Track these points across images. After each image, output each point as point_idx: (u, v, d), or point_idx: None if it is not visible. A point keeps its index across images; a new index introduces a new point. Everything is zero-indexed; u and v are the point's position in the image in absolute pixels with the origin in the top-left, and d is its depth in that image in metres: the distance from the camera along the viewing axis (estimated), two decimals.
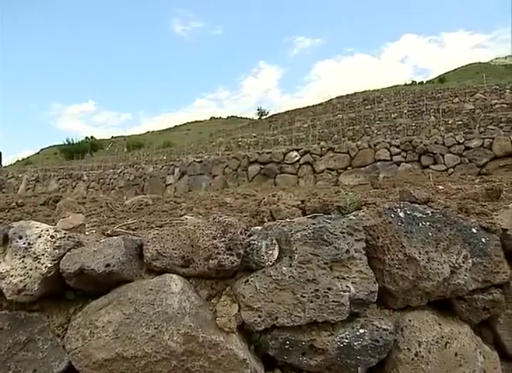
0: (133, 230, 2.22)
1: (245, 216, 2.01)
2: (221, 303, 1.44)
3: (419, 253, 1.56)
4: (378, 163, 10.57)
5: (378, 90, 36.56)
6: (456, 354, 1.59)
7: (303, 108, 32.78)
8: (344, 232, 1.49)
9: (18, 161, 48.87)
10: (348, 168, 10.74)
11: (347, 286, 1.44)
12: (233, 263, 1.40)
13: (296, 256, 1.43)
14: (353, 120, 23.31)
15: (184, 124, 64.17)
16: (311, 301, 1.41)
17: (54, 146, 49.36)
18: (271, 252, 1.44)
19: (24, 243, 1.47)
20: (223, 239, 1.41)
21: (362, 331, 1.45)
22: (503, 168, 9.76)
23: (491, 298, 1.69)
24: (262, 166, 11.59)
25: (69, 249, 1.51)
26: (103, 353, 1.37)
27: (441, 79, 47.14)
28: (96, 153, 42.28)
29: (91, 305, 1.48)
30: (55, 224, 1.94)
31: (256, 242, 1.45)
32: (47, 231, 1.52)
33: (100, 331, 1.41)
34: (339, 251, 1.45)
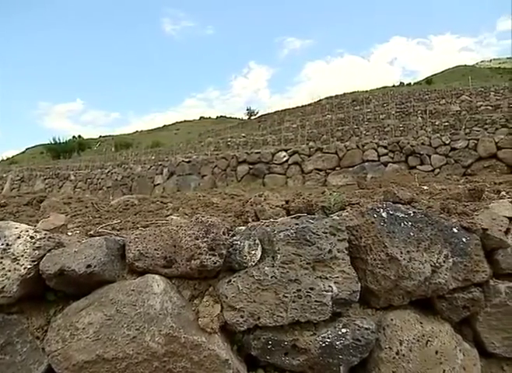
0: (118, 230, 2.19)
1: (229, 216, 2.01)
2: (203, 303, 1.44)
3: (401, 253, 1.58)
4: (366, 164, 10.67)
5: (367, 91, 36.89)
6: (436, 352, 1.62)
7: (293, 108, 32.87)
8: (327, 232, 1.50)
9: (2, 160, 47.99)
10: (337, 168, 10.82)
11: (329, 286, 1.45)
12: (215, 263, 1.39)
13: (279, 256, 1.44)
14: (342, 120, 23.47)
15: (173, 124, 63.81)
16: (293, 301, 1.42)
17: (41, 145, 48.59)
18: (253, 252, 1.44)
19: (2, 244, 1.44)
20: (206, 239, 1.41)
21: (344, 330, 1.46)
22: (487, 168, 9.93)
23: (471, 297, 1.72)
24: (251, 166, 11.59)
25: (49, 250, 1.48)
26: (84, 355, 1.36)
27: (428, 81, 47.82)
28: (83, 153, 41.76)
29: (72, 307, 1.46)
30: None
31: (239, 243, 1.45)
32: (27, 231, 1.50)
33: (81, 333, 1.39)
34: (322, 251, 1.46)
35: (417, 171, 10.11)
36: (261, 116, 37.61)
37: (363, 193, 2.92)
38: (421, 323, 1.64)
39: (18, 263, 1.42)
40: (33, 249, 1.46)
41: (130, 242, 1.54)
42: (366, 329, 1.48)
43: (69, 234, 1.99)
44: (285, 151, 11.45)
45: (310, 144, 13.62)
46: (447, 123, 19.50)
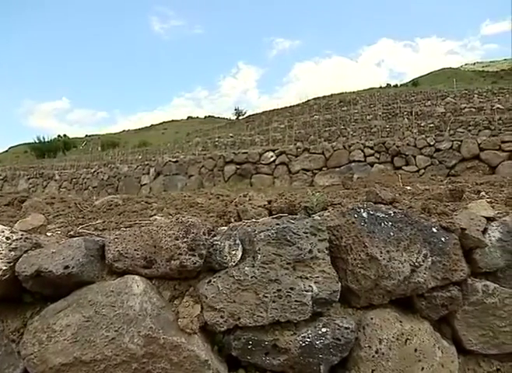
0: (101, 231, 2.17)
1: (211, 216, 2.00)
2: (183, 304, 1.43)
3: (381, 253, 1.60)
4: (352, 164, 10.76)
5: (354, 92, 37.21)
6: (415, 350, 1.64)
7: (281, 109, 32.98)
8: (307, 232, 1.50)
9: None
10: (324, 168, 10.89)
11: (310, 286, 1.46)
12: (195, 263, 1.39)
13: (259, 256, 1.44)
14: (329, 121, 23.63)
15: (161, 123, 63.37)
16: (274, 301, 1.42)
17: (25, 144, 47.67)
18: (234, 252, 1.44)
19: None
20: (185, 240, 1.40)
21: (324, 330, 1.46)
22: (470, 169, 10.13)
23: (449, 295, 1.74)
24: (238, 166, 11.59)
25: (26, 251, 1.46)
26: (61, 357, 1.34)
27: (414, 83, 48.48)
28: (69, 152, 41.14)
29: (49, 309, 1.43)
30: None
31: (219, 243, 1.45)
32: (3, 232, 1.47)
33: (58, 335, 1.37)
34: (302, 251, 1.47)
35: (402, 171, 10.25)
36: (249, 116, 37.62)
37: (347, 194, 2.95)
38: (400, 322, 1.66)
39: None
40: (9, 250, 1.43)
41: (110, 243, 1.53)
42: (346, 328, 1.49)
43: (49, 234, 1.96)
44: (273, 151, 11.47)
45: (298, 144, 13.68)
46: (432, 125, 19.81)
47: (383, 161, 10.71)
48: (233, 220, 1.92)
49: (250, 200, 2.64)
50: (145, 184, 14.74)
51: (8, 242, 1.45)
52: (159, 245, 1.46)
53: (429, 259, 1.70)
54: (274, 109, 33.46)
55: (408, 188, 3.69)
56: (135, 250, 1.50)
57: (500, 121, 17.72)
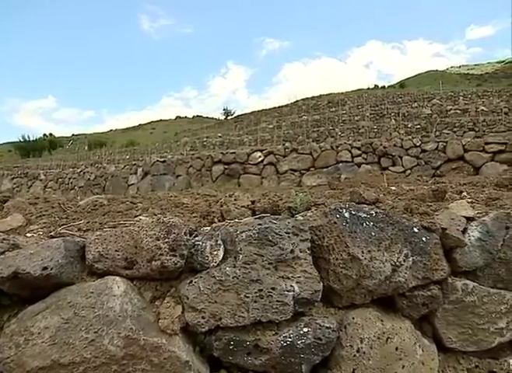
0: (84, 231, 2.14)
1: (195, 217, 1.99)
2: (164, 305, 1.42)
3: (362, 253, 1.61)
4: (340, 164, 10.84)
5: (343, 93, 37.49)
6: (396, 349, 1.66)
7: (269, 109, 33.04)
8: (289, 233, 1.51)
9: None
10: (311, 169, 10.95)
11: (291, 285, 1.46)
12: (176, 264, 1.38)
13: (241, 256, 1.44)
14: (318, 121, 23.76)
15: (149, 123, 62.87)
16: (255, 301, 1.42)
17: (9, 143, 46.78)
18: (215, 252, 1.44)
19: None
20: (167, 240, 1.39)
21: (305, 330, 1.47)
22: (455, 170, 10.30)
23: (430, 294, 1.77)
24: (226, 166, 11.57)
25: (3, 252, 1.43)
26: (38, 360, 1.31)
27: (402, 85, 49.12)
28: (54, 151, 40.53)
29: (27, 311, 1.40)
30: None
31: (200, 243, 1.44)
32: None
33: (36, 338, 1.34)
34: (284, 251, 1.47)
35: (389, 172, 10.38)
36: (238, 116, 37.60)
37: (332, 194, 2.97)
38: (382, 321, 1.67)
39: None
40: None
41: (90, 244, 1.51)
42: (328, 328, 1.50)
43: (29, 235, 1.93)
44: (261, 151, 11.49)
45: (286, 144, 13.72)
46: (419, 126, 20.08)
47: (370, 161, 10.82)
48: (216, 220, 1.91)
49: (235, 200, 2.64)
50: (132, 184, 14.60)
51: None
52: (140, 246, 1.45)
53: (410, 259, 1.73)
54: (262, 110, 33.50)
55: (393, 188, 3.73)
56: (116, 251, 1.48)
57: (484, 123, 18.06)
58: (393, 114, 23.17)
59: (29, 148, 38.04)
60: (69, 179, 18.18)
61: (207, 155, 12.20)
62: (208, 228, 1.71)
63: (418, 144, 10.74)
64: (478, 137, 11.09)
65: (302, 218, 1.64)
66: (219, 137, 23.48)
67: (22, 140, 40.28)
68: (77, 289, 1.43)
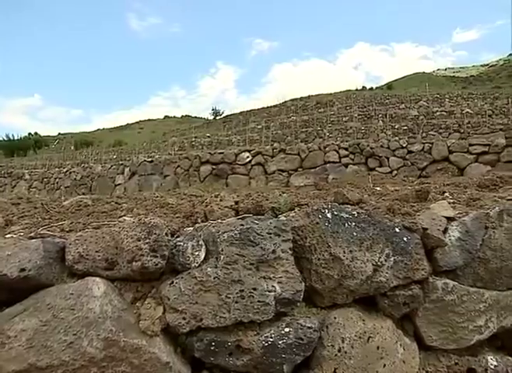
0: (67, 232, 2.11)
1: (178, 217, 1.98)
2: (145, 306, 1.41)
3: (344, 253, 1.63)
4: (328, 165, 10.91)
5: (331, 94, 37.67)
6: (378, 348, 1.67)
7: (258, 109, 33.05)
8: (271, 233, 1.51)
9: None
10: (299, 169, 10.99)
11: (273, 286, 1.47)
12: (156, 264, 1.37)
13: (222, 256, 1.44)
14: (306, 122, 23.87)
15: (137, 122, 62.30)
16: (236, 302, 1.42)
17: None
18: (197, 253, 1.43)
19: None
20: (148, 241, 1.39)
21: (287, 330, 1.48)
22: (440, 171, 10.45)
23: (411, 294, 1.79)
24: (214, 167, 11.54)
25: None
26: (15, 364, 1.29)
27: (389, 86, 49.66)
28: (40, 151, 39.86)
29: (4, 314, 1.38)
30: None
31: (182, 244, 1.44)
32: None
33: (13, 341, 1.32)
34: (265, 251, 1.47)
35: (376, 172, 10.47)
36: (227, 116, 37.51)
37: (317, 194, 2.98)
38: (363, 320, 1.69)
39: None
40: None
41: (70, 244, 1.49)
42: (309, 327, 1.51)
43: (8, 236, 1.89)
44: (249, 151, 11.49)
45: (274, 145, 13.75)
46: (405, 127, 20.34)
47: (357, 162, 10.91)
48: (199, 221, 1.90)
49: (221, 200, 2.63)
50: (119, 184, 14.45)
51: None
52: (121, 247, 1.43)
53: (392, 259, 1.75)
54: (251, 110, 33.49)
55: (378, 189, 3.77)
56: (97, 252, 1.47)
57: (469, 125, 18.39)
58: (380, 115, 23.42)
59: (13, 147, 37.33)
60: (55, 179, 17.91)
61: (195, 155, 12.15)
62: (191, 228, 1.71)
63: (404, 146, 10.87)
64: (462, 139, 11.28)
65: (284, 219, 1.65)
66: (208, 137, 23.41)
67: (6, 139, 39.53)
68: (56, 291, 1.41)
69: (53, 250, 1.48)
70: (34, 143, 41.49)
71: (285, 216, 1.74)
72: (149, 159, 13.47)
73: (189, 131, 30.05)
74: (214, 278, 1.41)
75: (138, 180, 13.23)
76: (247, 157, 11.32)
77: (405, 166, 10.74)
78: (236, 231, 1.46)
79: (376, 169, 10.78)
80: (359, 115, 24.35)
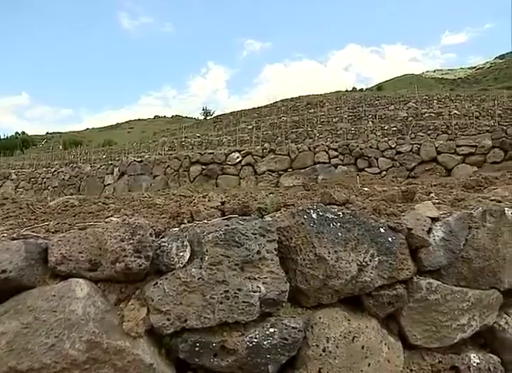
0: (53, 233, 2.08)
1: (163, 218, 1.97)
2: (129, 307, 1.40)
3: (329, 253, 1.64)
4: (317, 165, 10.95)
5: (321, 95, 37.88)
6: (363, 347, 1.69)
7: (249, 109, 33.07)
8: (256, 233, 1.51)
9: None
10: (289, 170, 11.02)
11: (258, 286, 1.47)
12: (140, 265, 1.36)
13: (207, 257, 1.43)
14: (297, 122, 23.95)
15: (127, 122, 61.82)
16: (221, 303, 1.42)
17: None
18: (181, 254, 1.43)
19: None
20: (131, 241, 1.37)
21: (272, 330, 1.48)
22: (428, 171, 10.58)
23: (395, 293, 1.81)
24: (204, 167, 11.51)
25: None
26: None
27: (379, 88, 50.18)
28: (27, 150, 39.31)
29: None
30: None
31: (166, 244, 1.43)
32: None
33: None
34: (250, 252, 1.47)
35: (365, 173, 10.55)
36: (217, 116, 37.45)
37: (304, 195, 3.00)
38: (348, 320, 1.70)
39: None
40: None
41: (52, 246, 1.47)
42: (294, 328, 1.51)
43: None
44: (239, 152, 11.48)
45: (266, 145, 13.76)
46: (395, 128, 20.56)
47: (347, 163, 10.98)
48: (186, 221, 1.90)
49: (209, 200, 2.63)
50: (108, 184, 14.33)
51: None
52: (105, 248, 1.42)
53: (376, 259, 1.76)
54: (242, 110, 33.47)
55: (366, 189, 3.79)
56: (80, 253, 1.45)
57: (457, 126, 18.66)
58: (370, 116, 23.63)
59: None
60: (42, 179, 17.67)
61: (185, 155, 12.09)
62: (177, 229, 1.70)
63: (393, 146, 10.97)
64: (450, 140, 11.42)
65: (270, 219, 1.65)
66: (198, 137, 23.34)
67: None
68: (38, 292, 1.39)
69: (35, 251, 1.46)
70: (21, 142, 40.89)
71: (270, 217, 1.74)
72: (139, 159, 13.38)
73: (179, 131, 29.90)
74: (198, 279, 1.41)
75: (128, 180, 13.13)
76: (237, 157, 11.31)
77: (394, 167, 10.84)
78: (221, 232, 1.46)
79: (366, 169, 10.87)
80: (349, 116, 24.53)
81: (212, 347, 1.44)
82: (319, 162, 10.97)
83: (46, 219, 2.92)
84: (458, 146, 10.21)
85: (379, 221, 1.92)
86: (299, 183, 9.85)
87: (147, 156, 14.38)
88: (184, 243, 1.45)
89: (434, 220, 2.02)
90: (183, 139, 23.05)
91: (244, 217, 1.60)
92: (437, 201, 2.65)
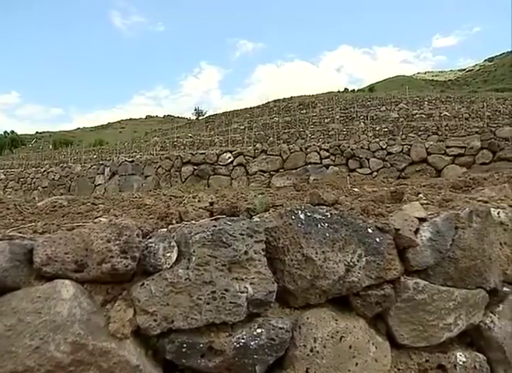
0: (40, 233, 2.06)
1: (151, 218, 1.97)
2: (115, 308, 1.39)
3: (316, 253, 1.64)
4: (309, 166, 10.98)
5: (313, 96, 38.00)
6: (350, 347, 1.69)
7: (241, 110, 33.05)
8: (243, 234, 1.51)
9: None
10: (281, 170, 11.03)
11: (245, 287, 1.47)
12: (127, 266, 1.35)
13: (194, 258, 1.43)
14: (289, 123, 24.01)
15: (119, 122, 61.40)
16: (208, 303, 1.41)
17: None
18: (168, 254, 1.42)
19: None
20: (118, 242, 1.37)
21: (259, 330, 1.48)
22: (419, 172, 10.67)
23: (383, 293, 1.82)
24: (195, 167, 11.47)
25: None
26: None
27: (371, 89, 50.51)
28: (16, 150, 38.81)
29: None
30: None
31: (153, 245, 1.42)
32: None
33: None
34: (238, 252, 1.47)
35: (356, 173, 10.61)
36: (209, 116, 37.36)
37: (294, 195, 3.00)
38: (336, 320, 1.71)
39: None
40: None
41: (38, 246, 1.45)
42: (281, 328, 1.51)
43: None
44: (231, 152, 11.47)
45: (257, 145, 13.77)
46: (386, 129, 20.70)
47: (338, 163, 11.02)
48: (174, 222, 1.89)
49: (199, 201, 2.62)
50: (99, 184, 14.21)
51: None
52: (91, 248, 1.41)
53: (364, 259, 1.77)
54: (234, 110, 33.43)
55: (356, 190, 3.82)
56: (66, 253, 1.44)
57: (447, 127, 18.85)
58: (362, 117, 23.76)
59: None
60: (32, 179, 17.46)
61: (176, 156, 12.04)
62: (165, 229, 1.69)
63: (384, 147, 11.05)
64: (440, 141, 11.53)
65: (258, 220, 1.65)
66: (190, 137, 23.26)
67: None
68: (23, 294, 1.38)
69: (20, 252, 1.44)
70: (10, 141, 40.34)
71: (258, 217, 1.74)
72: (130, 159, 13.29)
73: (171, 131, 29.79)
74: (185, 280, 1.40)
75: (119, 180, 13.03)
76: (229, 158, 11.30)
77: (385, 167, 10.92)
78: (208, 233, 1.46)
79: (357, 170, 10.93)
80: (340, 116, 24.64)
81: (199, 348, 1.44)
82: (310, 163, 11.00)
83: (33, 220, 2.89)
84: (448, 147, 10.32)
85: (367, 221, 1.93)
86: (291, 183, 9.87)
87: (138, 156, 14.30)
88: (172, 244, 1.44)
89: (421, 220, 2.04)
90: (175, 139, 22.95)
91: (232, 218, 1.60)
92: (425, 202, 2.67)
